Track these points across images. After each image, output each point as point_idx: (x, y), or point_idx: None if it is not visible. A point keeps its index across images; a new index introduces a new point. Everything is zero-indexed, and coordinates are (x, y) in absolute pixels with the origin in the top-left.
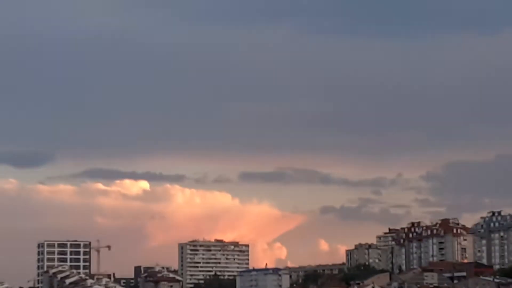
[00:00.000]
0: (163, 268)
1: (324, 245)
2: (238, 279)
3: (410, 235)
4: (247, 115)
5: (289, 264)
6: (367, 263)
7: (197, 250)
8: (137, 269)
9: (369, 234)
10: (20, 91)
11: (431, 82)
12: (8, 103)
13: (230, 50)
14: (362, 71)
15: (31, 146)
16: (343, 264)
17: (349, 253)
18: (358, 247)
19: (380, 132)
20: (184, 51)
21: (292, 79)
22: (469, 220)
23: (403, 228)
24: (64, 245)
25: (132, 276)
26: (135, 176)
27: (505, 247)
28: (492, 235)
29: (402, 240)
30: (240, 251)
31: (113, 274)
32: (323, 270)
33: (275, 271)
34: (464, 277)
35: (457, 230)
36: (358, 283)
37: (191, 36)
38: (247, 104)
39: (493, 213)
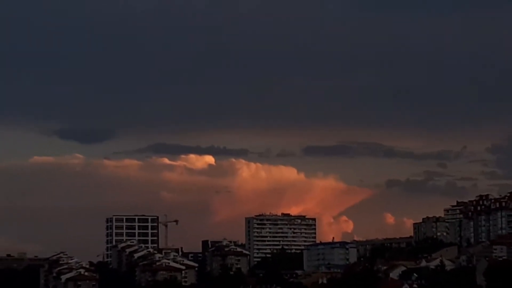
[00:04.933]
0: (230, 242)
1: (390, 219)
2: (305, 253)
3: (478, 208)
4: (311, 89)
5: (356, 238)
6: (434, 237)
7: (264, 224)
8: (205, 243)
9: (436, 207)
10: (86, 68)
11: (498, 55)
12: (74, 79)
13: (301, 25)
14: (427, 45)
15: (97, 121)
16: (411, 237)
17: (416, 226)
18: (426, 220)
19: (444, 104)
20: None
21: (356, 52)
22: None
23: (471, 201)
24: (132, 220)
25: (200, 250)
26: (200, 151)
27: None
28: None
29: (470, 213)
30: (307, 225)
31: (181, 248)
32: (390, 244)
33: (342, 244)
34: None
35: None
36: (426, 257)
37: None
38: (311, 79)
39: None
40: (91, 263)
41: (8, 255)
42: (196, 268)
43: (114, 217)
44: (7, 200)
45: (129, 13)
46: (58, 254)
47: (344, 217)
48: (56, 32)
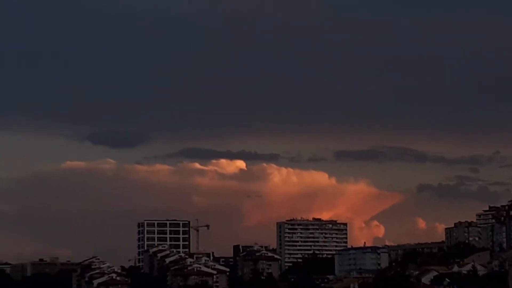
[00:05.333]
0: (261, 247)
1: (421, 223)
2: (336, 257)
3: (511, 212)
4: (342, 93)
5: (387, 243)
6: (466, 241)
7: (295, 229)
8: (236, 248)
9: (468, 212)
10: (118, 74)
11: None
12: (106, 85)
13: (332, 26)
14: (459, 47)
15: (128, 126)
16: (443, 242)
17: (448, 231)
18: (458, 225)
19: (477, 108)
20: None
21: (385, 56)
22: None
23: (503, 206)
24: (164, 225)
25: (231, 255)
26: (230, 156)
27: None
28: None
29: (502, 218)
30: (338, 229)
31: (212, 253)
32: (422, 249)
33: (374, 249)
34: None
35: None
36: (458, 262)
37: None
38: (342, 82)
39: None
40: (123, 268)
41: (41, 260)
42: (228, 273)
43: (145, 221)
44: (40, 205)
45: (163, 16)
46: (90, 258)
47: (376, 222)
48: (84, 34)
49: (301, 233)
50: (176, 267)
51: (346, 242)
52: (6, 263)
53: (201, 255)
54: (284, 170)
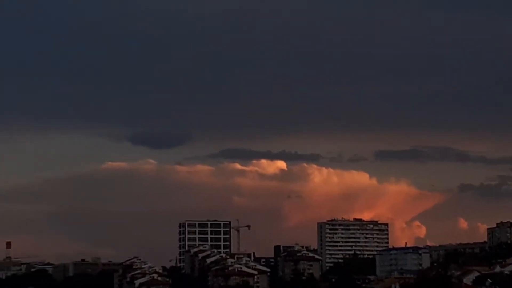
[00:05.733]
0: (302, 247)
1: (463, 224)
2: (377, 258)
3: None
4: (382, 93)
5: (429, 243)
6: (509, 242)
7: (336, 229)
8: (277, 248)
9: (510, 212)
10: (158, 74)
11: None
12: (147, 86)
13: (369, 31)
14: (500, 46)
15: (168, 127)
16: (485, 242)
17: (490, 231)
18: (500, 225)
19: None
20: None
21: (426, 56)
22: None
23: None
24: (205, 225)
25: (272, 255)
26: (271, 156)
27: None
28: None
29: None
30: (379, 230)
31: (253, 253)
32: (464, 249)
33: (415, 250)
34: None
35: None
36: (501, 262)
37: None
38: (383, 83)
39: None
40: (164, 268)
41: (83, 260)
42: (268, 273)
43: (186, 222)
44: (81, 206)
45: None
46: (132, 259)
47: (417, 222)
48: (121, 37)
49: (342, 233)
50: (217, 267)
51: (387, 243)
52: (48, 263)
53: (242, 256)
54: (324, 170)
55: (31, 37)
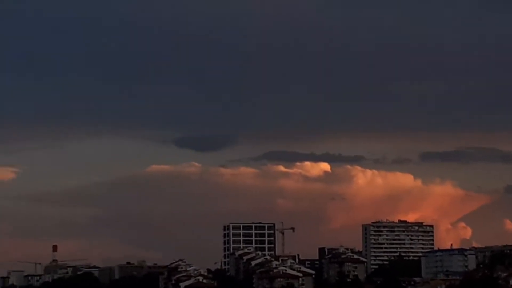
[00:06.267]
0: (347, 249)
1: (509, 225)
2: (423, 260)
3: None
4: (426, 94)
5: (474, 245)
6: None
7: (381, 231)
8: (321, 250)
9: None
10: (203, 78)
11: None
12: (191, 89)
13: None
14: None
15: (212, 130)
16: None
17: None
18: None
19: None
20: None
21: (469, 57)
22: None
23: None
24: (249, 227)
25: (316, 257)
26: (314, 158)
27: None
28: None
29: None
30: (424, 231)
31: (298, 255)
32: (510, 250)
33: (461, 251)
34: None
35: None
36: None
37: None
38: (426, 83)
39: None
40: (209, 271)
41: (128, 263)
42: (313, 276)
43: (231, 224)
44: (126, 209)
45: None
46: (177, 261)
47: (462, 224)
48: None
49: (386, 235)
50: (262, 269)
51: (432, 244)
52: (94, 266)
53: (286, 258)
54: (368, 172)
55: (83, 42)
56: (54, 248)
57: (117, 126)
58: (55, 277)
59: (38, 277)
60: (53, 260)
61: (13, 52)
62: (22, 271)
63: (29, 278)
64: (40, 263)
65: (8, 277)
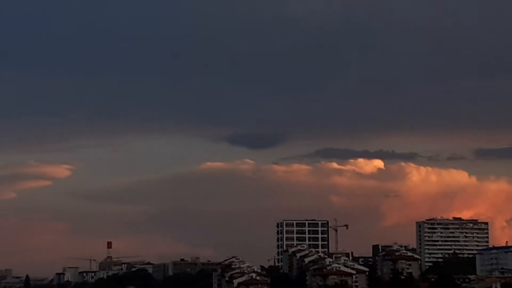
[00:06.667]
0: (400, 246)
1: None
2: (477, 257)
3: None
4: (482, 91)
5: None
6: None
7: (435, 228)
8: (375, 247)
9: None
10: (257, 76)
11: None
12: (245, 88)
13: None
14: None
15: (265, 127)
16: None
17: None
18: None
19: None
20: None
21: None
22: None
23: None
24: (303, 224)
25: (370, 254)
26: (368, 155)
27: None
28: None
29: None
30: (479, 229)
31: (351, 252)
32: None
33: None
34: None
35: None
36: None
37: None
38: (480, 79)
39: None
40: (262, 268)
41: (182, 260)
42: (367, 273)
43: (284, 221)
44: (180, 206)
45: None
46: (230, 258)
47: None
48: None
49: (441, 232)
50: (315, 267)
51: (487, 242)
52: (148, 263)
53: (340, 255)
54: (423, 169)
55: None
56: (109, 244)
57: (170, 125)
58: (110, 273)
59: (92, 274)
60: (108, 257)
61: (68, 52)
62: (77, 267)
63: (84, 274)
64: (94, 260)
65: (63, 274)
